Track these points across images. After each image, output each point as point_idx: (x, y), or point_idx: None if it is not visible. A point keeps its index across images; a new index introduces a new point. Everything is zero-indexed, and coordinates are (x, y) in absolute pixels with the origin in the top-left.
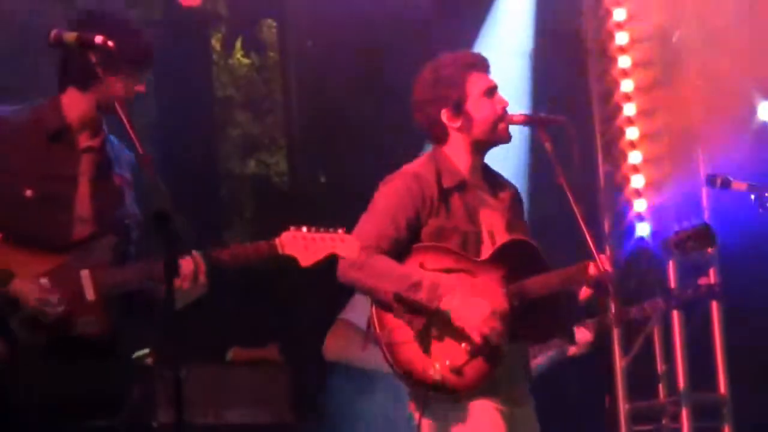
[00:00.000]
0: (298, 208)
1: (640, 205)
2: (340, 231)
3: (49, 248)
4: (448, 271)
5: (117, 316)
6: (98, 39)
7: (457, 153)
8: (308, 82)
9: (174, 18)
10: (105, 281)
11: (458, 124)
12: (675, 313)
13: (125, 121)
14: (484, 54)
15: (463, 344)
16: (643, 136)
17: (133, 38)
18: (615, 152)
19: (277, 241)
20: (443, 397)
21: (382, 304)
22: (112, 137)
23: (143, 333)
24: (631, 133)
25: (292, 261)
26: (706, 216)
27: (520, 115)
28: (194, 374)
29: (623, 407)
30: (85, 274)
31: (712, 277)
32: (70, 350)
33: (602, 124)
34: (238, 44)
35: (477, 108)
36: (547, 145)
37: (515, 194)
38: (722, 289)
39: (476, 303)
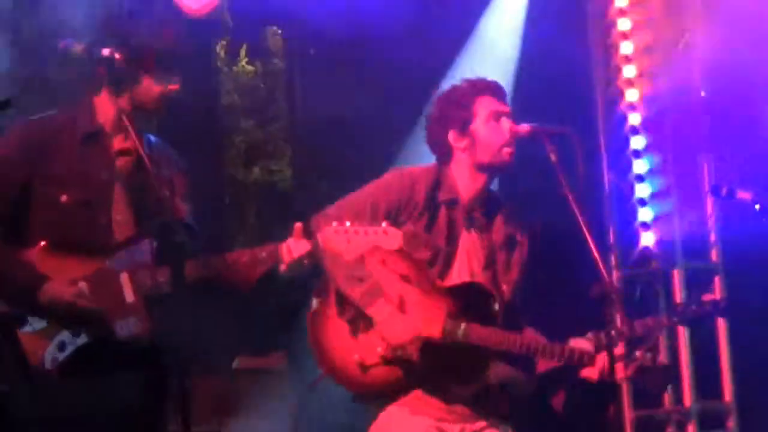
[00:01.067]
0: (303, 215)
1: (645, 215)
2: (384, 224)
3: (88, 253)
4: (406, 279)
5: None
6: (105, 51)
7: (460, 173)
8: (312, 88)
9: (179, 26)
10: (144, 282)
11: (463, 144)
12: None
13: None
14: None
15: (379, 348)
16: (649, 146)
17: (156, 38)
18: (620, 162)
19: (318, 235)
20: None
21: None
22: (152, 137)
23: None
24: (636, 142)
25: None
26: (711, 225)
27: (526, 126)
28: (200, 383)
29: (629, 416)
30: (123, 276)
31: (716, 289)
32: (111, 359)
33: (607, 134)
34: (243, 52)
35: (483, 130)
36: (552, 156)
37: (516, 238)
38: (727, 305)
39: (405, 323)
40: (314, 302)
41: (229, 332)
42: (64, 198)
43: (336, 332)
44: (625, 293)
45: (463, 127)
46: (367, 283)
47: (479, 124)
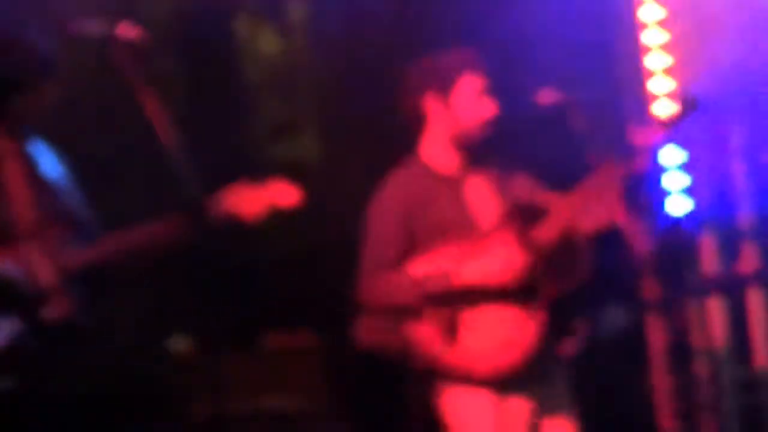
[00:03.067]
0: (330, 191)
1: (672, 183)
2: (274, 181)
3: None
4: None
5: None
6: (120, 30)
7: (436, 143)
8: (337, 64)
9: (199, 4)
10: (61, 265)
11: (439, 112)
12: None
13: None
14: None
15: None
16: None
17: (24, 56)
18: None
19: (216, 198)
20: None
21: (413, 311)
22: (36, 140)
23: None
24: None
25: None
26: (740, 189)
27: (553, 94)
28: (230, 361)
29: (661, 384)
30: (38, 261)
31: (747, 256)
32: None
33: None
34: (265, 29)
35: (460, 101)
36: (578, 125)
37: (501, 172)
38: (763, 274)
39: (493, 255)
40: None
41: (257, 311)
42: None
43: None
44: (654, 262)
45: (442, 94)
46: (434, 274)
47: (458, 96)
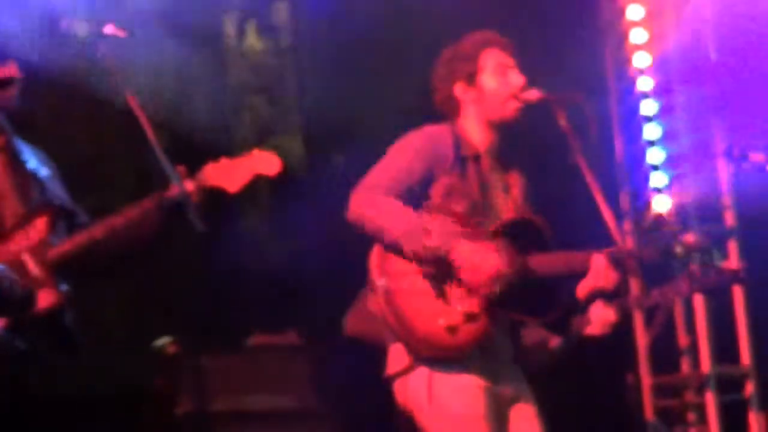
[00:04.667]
0: (315, 192)
1: (657, 180)
2: (255, 151)
3: None
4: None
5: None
6: (107, 29)
7: (472, 128)
8: (323, 64)
9: (186, 4)
10: (45, 256)
11: (470, 96)
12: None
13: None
14: None
15: (459, 307)
16: (660, 110)
17: None
18: (631, 127)
19: (200, 176)
20: (431, 355)
21: (388, 246)
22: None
23: None
24: (647, 107)
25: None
26: (724, 188)
27: (536, 92)
28: (215, 361)
29: (646, 382)
30: (25, 255)
31: (732, 253)
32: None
33: (617, 100)
34: (251, 29)
35: (489, 82)
36: (563, 123)
37: (526, 180)
38: (745, 275)
39: (488, 257)
40: (381, 282)
41: (242, 310)
42: None
43: (415, 303)
44: (639, 260)
45: (470, 80)
46: (435, 231)
47: (486, 77)
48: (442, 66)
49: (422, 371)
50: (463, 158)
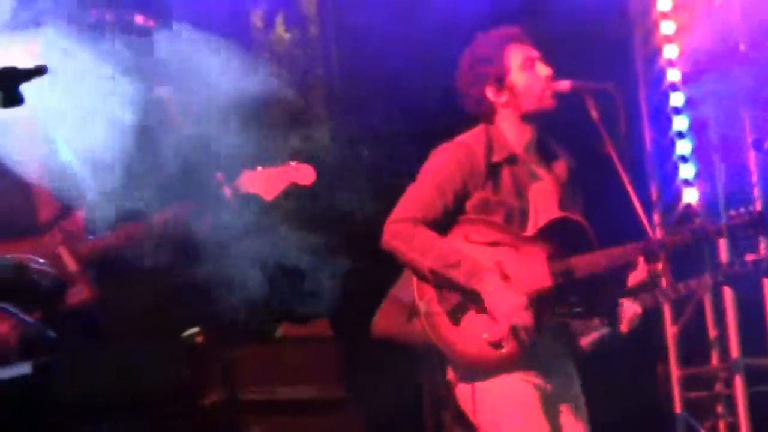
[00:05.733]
0: (342, 183)
1: (687, 171)
2: (292, 163)
3: (19, 236)
4: (494, 244)
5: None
6: (138, 19)
7: (508, 127)
8: (350, 55)
9: None
10: (81, 252)
11: (504, 98)
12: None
13: None
14: None
15: (485, 335)
16: (689, 101)
17: None
18: (661, 119)
19: (237, 183)
20: (483, 369)
21: (420, 277)
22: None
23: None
24: (676, 98)
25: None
26: (754, 179)
27: (566, 83)
28: (244, 352)
29: (676, 374)
30: (61, 249)
31: (761, 244)
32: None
33: (647, 91)
34: (279, 20)
35: (520, 80)
36: (594, 113)
37: (573, 168)
38: None
39: (511, 294)
40: (422, 304)
41: (273, 301)
42: None
43: (448, 326)
44: (669, 251)
45: (500, 82)
46: (463, 265)
47: (515, 75)
48: (467, 71)
49: (465, 387)
50: (494, 166)
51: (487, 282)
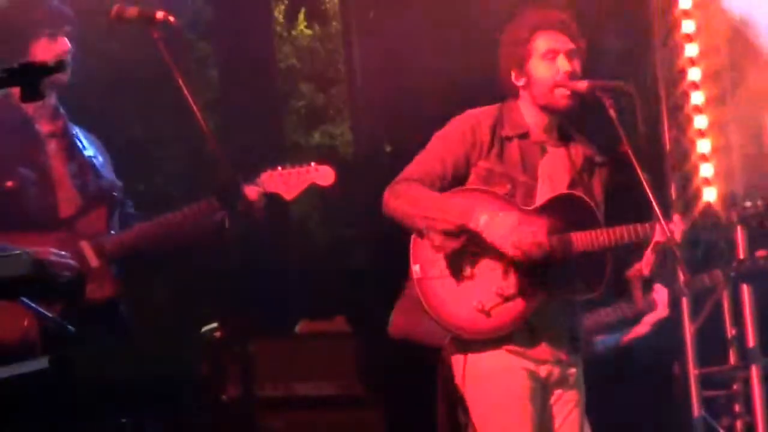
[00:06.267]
0: (364, 179)
1: (706, 170)
2: (312, 164)
3: (42, 230)
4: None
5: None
6: (159, 14)
7: (527, 108)
8: (371, 51)
9: None
10: (104, 247)
11: (522, 82)
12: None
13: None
14: None
15: (475, 302)
16: (709, 101)
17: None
18: (680, 117)
19: (258, 181)
20: (469, 338)
21: (417, 232)
22: (71, 124)
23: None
24: (696, 97)
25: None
26: None
27: (584, 82)
28: (263, 347)
29: (693, 373)
30: (84, 244)
31: None
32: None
33: (667, 89)
34: (301, 15)
35: (537, 69)
36: (612, 113)
37: (595, 160)
38: None
39: (503, 215)
40: (416, 269)
41: (290, 297)
42: (9, 184)
43: (447, 289)
44: (687, 250)
45: (520, 66)
46: (457, 207)
47: (535, 63)
48: (501, 49)
49: (458, 357)
50: (502, 139)
51: (478, 217)
